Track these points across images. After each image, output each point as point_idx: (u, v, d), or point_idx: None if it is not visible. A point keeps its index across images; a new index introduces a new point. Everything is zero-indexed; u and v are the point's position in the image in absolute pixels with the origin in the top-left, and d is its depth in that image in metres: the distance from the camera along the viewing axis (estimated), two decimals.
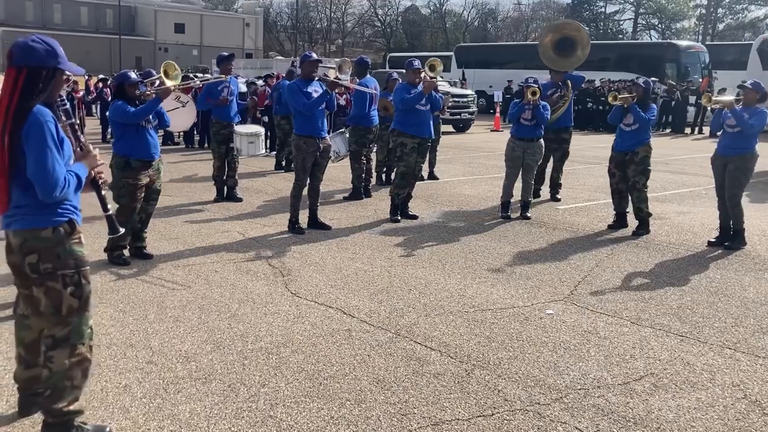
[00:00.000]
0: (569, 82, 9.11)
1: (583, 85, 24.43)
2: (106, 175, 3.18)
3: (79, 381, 2.95)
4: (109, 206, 3.17)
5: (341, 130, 9.24)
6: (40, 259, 2.78)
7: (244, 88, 14.03)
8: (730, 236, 6.93)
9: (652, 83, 8.39)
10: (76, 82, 17.33)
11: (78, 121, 14.27)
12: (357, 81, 9.29)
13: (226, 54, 8.77)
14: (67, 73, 2.95)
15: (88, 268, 2.93)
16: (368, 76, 9.40)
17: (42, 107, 2.70)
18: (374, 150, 9.82)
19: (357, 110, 9.17)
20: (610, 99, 7.41)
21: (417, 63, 7.71)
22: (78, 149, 2.90)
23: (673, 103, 22.93)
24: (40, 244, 2.77)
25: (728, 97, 6.97)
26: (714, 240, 7.02)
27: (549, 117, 8.15)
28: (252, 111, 13.07)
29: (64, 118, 2.88)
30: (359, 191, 9.18)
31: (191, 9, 67.36)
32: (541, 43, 9.85)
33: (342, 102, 13.89)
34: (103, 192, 3.09)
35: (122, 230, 3.35)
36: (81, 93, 17.36)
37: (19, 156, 2.66)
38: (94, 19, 62.82)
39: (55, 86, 2.78)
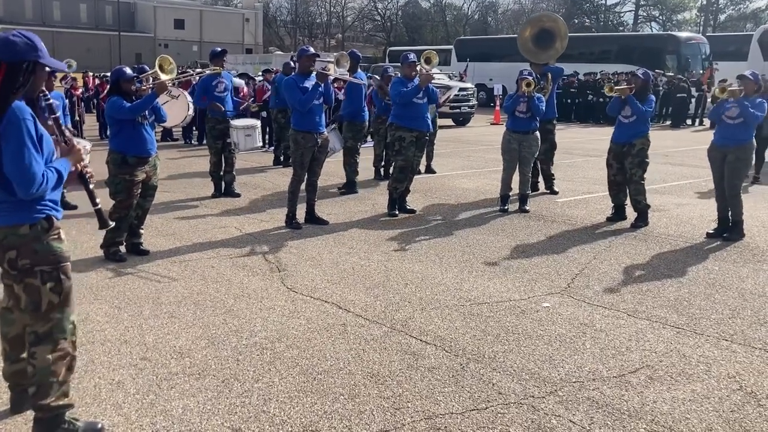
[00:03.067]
0: (549, 74, 9.08)
1: (583, 78, 24.55)
2: (95, 172, 3.16)
3: (64, 376, 2.93)
4: (98, 200, 3.16)
5: (332, 126, 9.22)
6: (19, 255, 2.78)
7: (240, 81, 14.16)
8: (729, 227, 6.91)
9: (652, 75, 8.34)
10: (74, 79, 17.30)
11: (78, 118, 14.29)
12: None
13: (219, 50, 8.78)
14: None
15: (68, 264, 2.91)
16: (359, 70, 9.43)
17: (21, 104, 2.68)
18: (361, 145, 9.84)
19: (353, 105, 9.17)
20: (606, 90, 7.36)
21: (412, 57, 7.68)
22: (63, 144, 2.89)
23: (676, 94, 22.84)
24: (18, 241, 2.77)
25: (735, 87, 6.91)
26: (712, 231, 6.99)
27: (544, 109, 8.12)
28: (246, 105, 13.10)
29: (47, 114, 2.86)
30: (354, 184, 9.21)
31: (191, 5, 67.27)
32: (520, 36, 9.88)
33: (341, 96, 13.87)
34: (91, 186, 3.08)
35: (112, 223, 3.37)
36: (80, 90, 17.35)
37: None
38: (94, 16, 62.77)
39: (36, 81, 2.76)
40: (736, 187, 6.80)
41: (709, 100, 20.50)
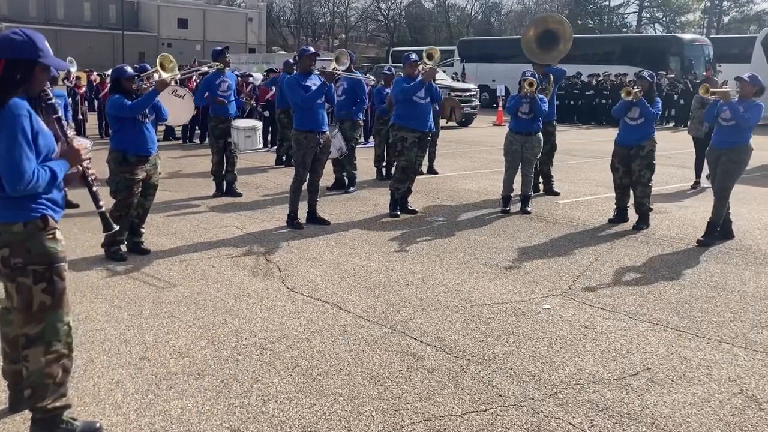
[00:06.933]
0: (551, 75, 9.07)
1: (586, 79, 24.50)
2: (96, 171, 3.14)
3: (60, 378, 2.91)
4: (102, 203, 3.12)
5: (337, 128, 9.22)
6: (12, 253, 2.75)
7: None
8: (724, 230, 6.87)
9: (656, 77, 8.34)
10: (78, 78, 17.28)
11: (81, 116, 14.28)
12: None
13: (220, 48, 8.78)
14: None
15: (62, 264, 2.87)
16: (353, 69, 9.51)
17: (18, 100, 2.67)
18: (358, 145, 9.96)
19: (357, 104, 9.20)
20: (623, 95, 7.35)
21: (414, 56, 7.68)
22: (65, 144, 2.87)
23: (676, 96, 22.81)
24: (12, 239, 2.75)
25: (725, 89, 6.90)
26: (715, 234, 6.96)
27: (547, 110, 8.10)
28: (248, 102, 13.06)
29: (51, 113, 2.85)
30: (350, 182, 9.31)
31: (194, 4, 67.27)
32: (524, 36, 9.89)
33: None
34: (95, 188, 3.04)
35: (116, 227, 3.34)
36: (84, 89, 17.33)
37: None
38: (97, 15, 62.79)
39: (36, 80, 2.74)
40: (726, 189, 6.75)
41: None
